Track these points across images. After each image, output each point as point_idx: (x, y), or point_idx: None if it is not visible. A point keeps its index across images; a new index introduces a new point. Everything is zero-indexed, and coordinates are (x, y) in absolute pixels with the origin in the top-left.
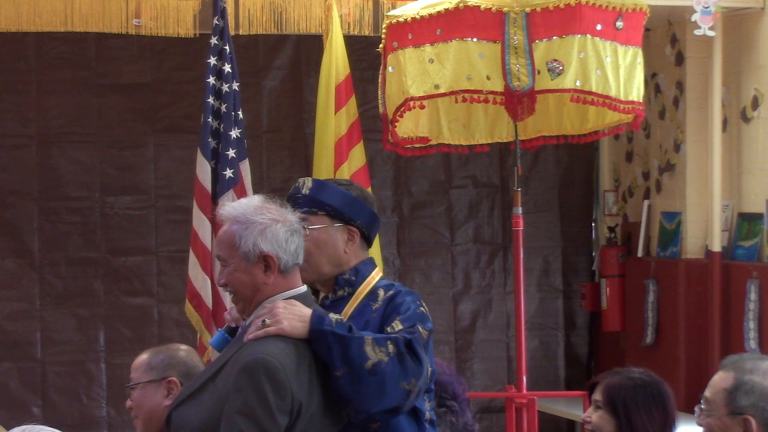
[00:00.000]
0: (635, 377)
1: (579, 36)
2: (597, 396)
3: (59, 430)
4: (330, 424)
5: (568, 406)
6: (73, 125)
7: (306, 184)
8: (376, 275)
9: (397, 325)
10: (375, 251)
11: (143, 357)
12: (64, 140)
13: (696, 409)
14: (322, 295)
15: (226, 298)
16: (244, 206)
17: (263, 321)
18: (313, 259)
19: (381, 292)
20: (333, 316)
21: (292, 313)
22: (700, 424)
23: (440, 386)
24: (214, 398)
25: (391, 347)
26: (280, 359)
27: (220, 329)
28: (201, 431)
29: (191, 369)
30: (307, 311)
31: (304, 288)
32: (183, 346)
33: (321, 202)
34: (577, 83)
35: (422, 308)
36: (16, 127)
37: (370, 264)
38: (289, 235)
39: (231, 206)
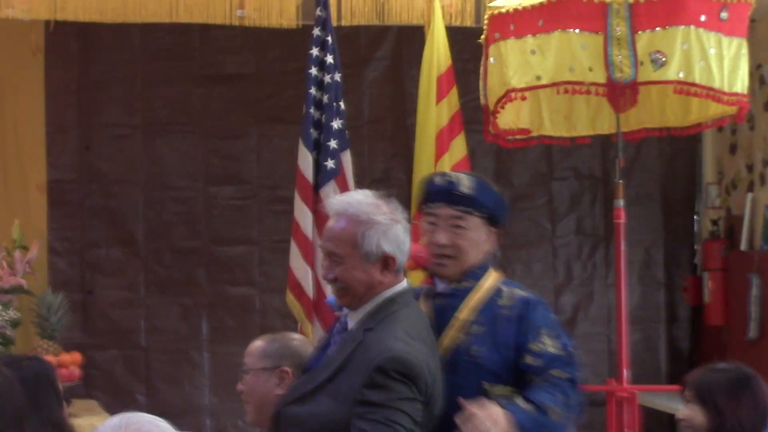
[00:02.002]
0: (717, 368)
1: (682, 27)
2: (685, 393)
3: (161, 417)
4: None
5: (669, 401)
6: (177, 115)
7: (464, 182)
8: (494, 272)
9: (547, 341)
10: None
11: (259, 343)
12: (169, 130)
13: None
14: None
15: (327, 288)
16: (361, 203)
17: None
18: (465, 257)
19: (505, 289)
20: (520, 404)
21: (494, 423)
22: None
23: None
24: (337, 400)
25: (561, 398)
26: (415, 354)
27: None
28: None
29: (303, 360)
30: (500, 412)
31: (405, 281)
32: (296, 336)
33: (482, 205)
34: (681, 75)
35: (552, 314)
36: (122, 117)
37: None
38: (405, 236)
39: (345, 201)
